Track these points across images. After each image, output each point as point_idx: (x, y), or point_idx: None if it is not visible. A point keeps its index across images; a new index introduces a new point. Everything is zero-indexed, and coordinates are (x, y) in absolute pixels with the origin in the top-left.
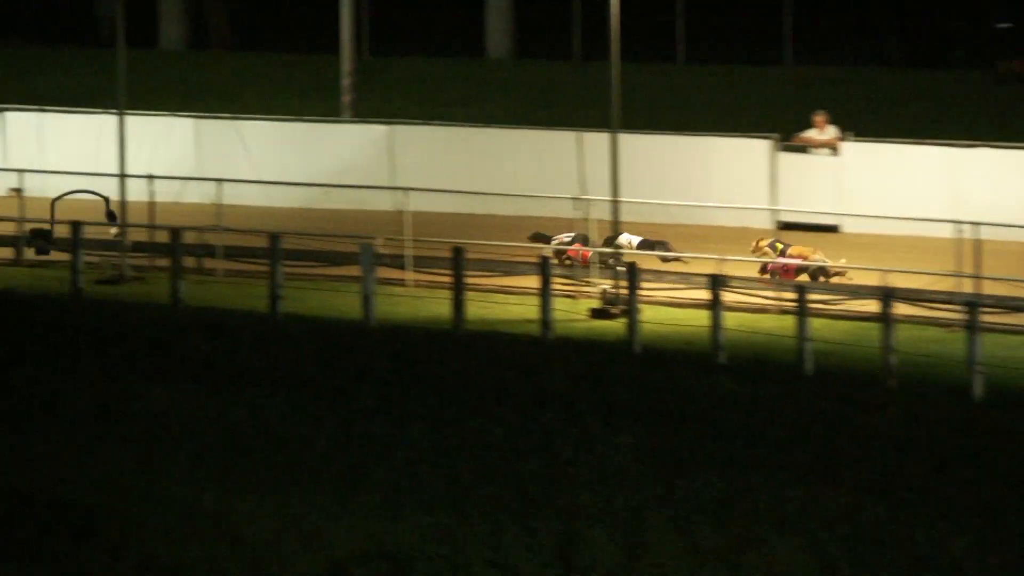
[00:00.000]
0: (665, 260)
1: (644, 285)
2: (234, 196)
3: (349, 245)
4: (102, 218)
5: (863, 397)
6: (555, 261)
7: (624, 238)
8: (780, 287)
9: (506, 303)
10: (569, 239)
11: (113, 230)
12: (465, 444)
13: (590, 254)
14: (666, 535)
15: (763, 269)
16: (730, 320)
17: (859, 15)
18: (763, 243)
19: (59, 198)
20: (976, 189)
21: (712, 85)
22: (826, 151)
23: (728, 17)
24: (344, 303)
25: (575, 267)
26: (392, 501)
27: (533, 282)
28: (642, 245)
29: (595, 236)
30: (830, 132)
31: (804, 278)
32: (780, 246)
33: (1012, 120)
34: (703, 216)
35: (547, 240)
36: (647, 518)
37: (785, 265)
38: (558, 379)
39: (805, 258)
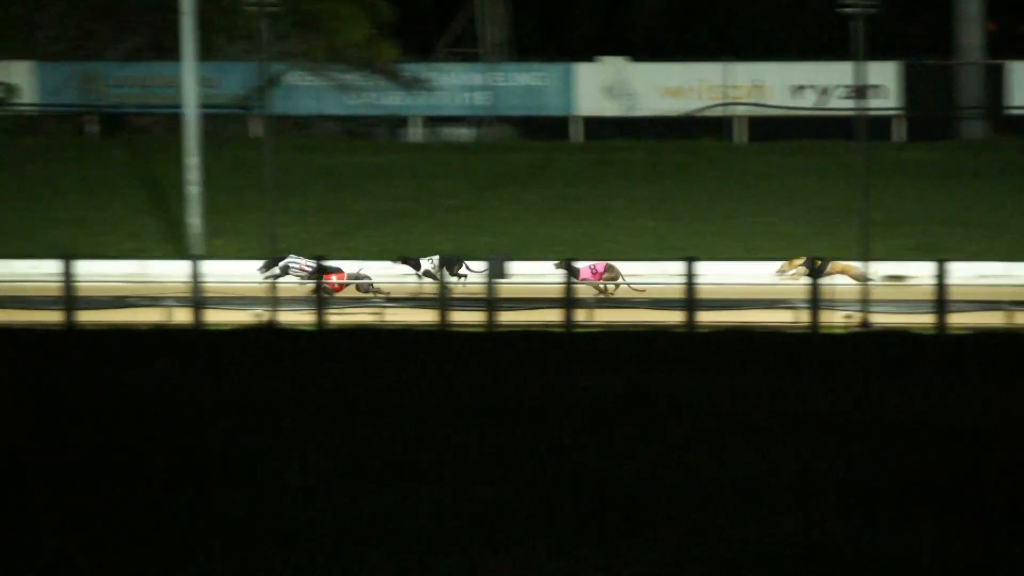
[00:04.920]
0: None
1: None
2: None
3: None
4: None
5: None
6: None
7: (426, 262)
8: None
9: None
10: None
11: None
12: None
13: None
14: None
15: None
16: None
17: None
18: (797, 261)
19: None
20: None
21: None
22: None
23: None
24: None
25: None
26: None
27: None
28: (442, 263)
29: None
30: None
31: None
32: (819, 262)
33: None
34: None
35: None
36: None
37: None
38: None
39: (846, 272)
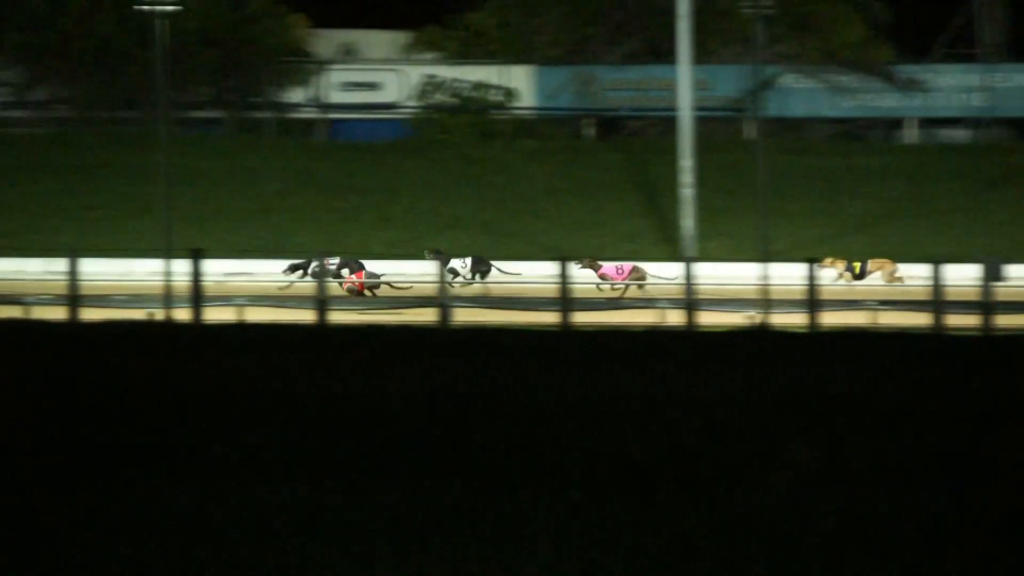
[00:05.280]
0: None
1: None
2: None
3: None
4: None
5: None
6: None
7: (457, 262)
8: None
9: None
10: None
11: None
12: None
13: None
14: None
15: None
16: None
17: None
18: (829, 259)
19: None
20: None
21: None
22: None
23: None
24: None
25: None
26: None
27: None
28: (475, 263)
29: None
30: None
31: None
32: (858, 264)
33: None
34: None
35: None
36: None
37: (619, 269)
38: None
39: (883, 270)
